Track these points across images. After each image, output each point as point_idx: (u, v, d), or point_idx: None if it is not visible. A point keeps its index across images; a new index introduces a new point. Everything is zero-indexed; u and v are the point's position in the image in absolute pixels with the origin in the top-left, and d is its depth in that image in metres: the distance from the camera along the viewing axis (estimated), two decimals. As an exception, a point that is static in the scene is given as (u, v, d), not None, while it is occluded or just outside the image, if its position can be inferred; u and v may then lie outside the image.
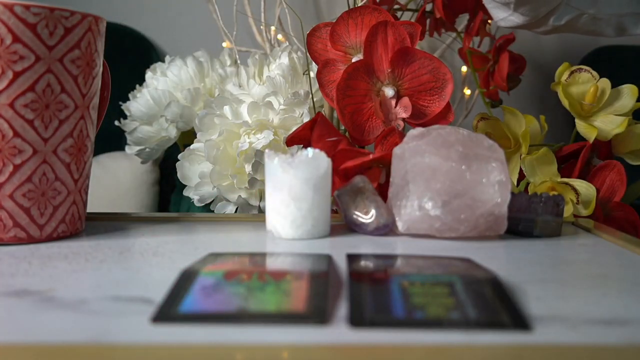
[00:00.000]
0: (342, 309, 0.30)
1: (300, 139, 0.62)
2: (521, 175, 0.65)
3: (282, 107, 0.67)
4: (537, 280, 0.36)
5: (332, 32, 0.63)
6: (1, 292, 0.33)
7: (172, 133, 0.77)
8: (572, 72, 0.67)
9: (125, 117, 0.80)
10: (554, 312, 0.30)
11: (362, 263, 0.38)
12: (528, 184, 0.64)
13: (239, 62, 0.85)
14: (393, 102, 0.59)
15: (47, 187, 0.45)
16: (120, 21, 1.12)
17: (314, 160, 0.47)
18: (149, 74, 0.80)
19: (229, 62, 0.84)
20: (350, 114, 0.60)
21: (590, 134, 0.65)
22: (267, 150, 0.49)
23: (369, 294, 0.31)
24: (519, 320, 0.28)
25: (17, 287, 0.34)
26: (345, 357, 0.25)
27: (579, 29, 0.53)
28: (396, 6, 0.84)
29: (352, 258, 0.39)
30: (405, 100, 0.59)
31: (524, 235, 0.50)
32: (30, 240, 0.45)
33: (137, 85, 0.81)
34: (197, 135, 0.70)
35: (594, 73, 0.67)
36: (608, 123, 0.66)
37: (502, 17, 0.51)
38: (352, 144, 0.61)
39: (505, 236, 0.50)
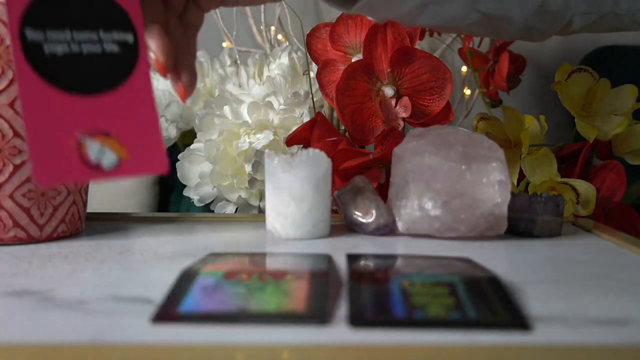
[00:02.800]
0: (342, 309, 0.30)
1: (300, 139, 0.62)
2: (521, 175, 0.65)
3: (282, 107, 0.67)
4: (537, 280, 0.36)
5: (331, 32, 0.63)
6: (1, 292, 0.32)
7: (172, 133, 0.77)
8: (572, 72, 0.67)
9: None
10: (554, 312, 0.30)
11: (362, 263, 0.38)
12: (528, 184, 0.64)
13: (239, 62, 0.85)
14: (393, 101, 0.59)
15: (47, 187, 0.45)
16: (120, 21, 1.11)
17: (314, 160, 0.47)
18: (149, 74, 0.80)
19: (229, 62, 0.84)
20: (350, 114, 0.60)
21: (590, 134, 0.65)
22: (267, 150, 0.49)
23: (369, 294, 0.31)
24: (519, 320, 0.28)
25: (17, 287, 0.34)
26: (345, 357, 0.25)
27: (601, 29, 0.52)
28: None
29: (352, 258, 0.39)
30: (405, 99, 0.59)
31: (524, 235, 0.50)
32: (30, 240, 0.45)
33: (137, 85, 0.81)
34: (197, 135, 0.70)
35: (594, 73, 0.67)
36: (608, 123, 0.66)
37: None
38: (352, 144, 0.61)
39: (505, 236, 0.50)
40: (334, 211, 0.59)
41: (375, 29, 0.58)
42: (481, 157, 0.48)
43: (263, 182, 0.59)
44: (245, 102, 0.68)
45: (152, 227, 0.52)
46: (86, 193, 0.49)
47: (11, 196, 0.44)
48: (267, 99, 0.67)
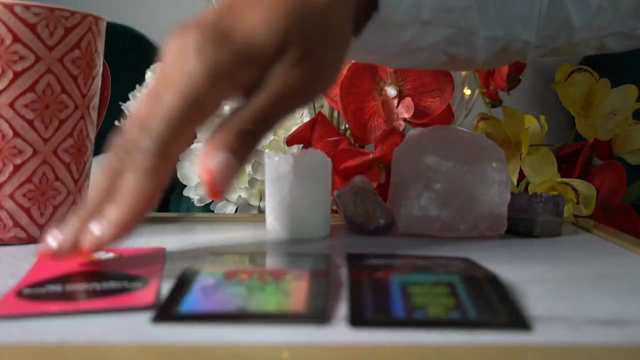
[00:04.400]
0: (342, 309, 0.30)
1: (300, 139, 0.62)
2: (521, 175, 0.65)
3: (282, 107, 0.67)
4: (537, 280, 0.36)
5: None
6: (1, 292, 0.32)
7: (172, 133, 0.77)
8: (572, 72, 0.67)
9: (125, 117, 0.80)
10: (554, 312, 0.30)
11: (362, 263, 0.38)
12: (528, 184, 0.64)
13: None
14: (395, 101, 0.59)
15: (47, 187, 0.45)
16: (120, 21, 1.12)
17: (314, 160, 0.47)
18: (149, 74, 0.80)
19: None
20: (353, 111, 0.60)
21: (590, 134, 0.65)
22: (267, 150, 0.49)
23: (369, 294, 0.31)
24: (519, 320, 0.28)
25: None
26: (345, 357, 0.25)
27: (556, 55, 0.54)
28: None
29: (352, 258, 0.39)
30: (408, 100, 0.59)
31: (524, 235, 0.50)
32: (30, 240, 0.45)
33: (137, 85, 0.81)
34: (197, 135, 0.69)
35: (594, 73, 0.67)
36: (608, 123, 0.66)
37: None
38: (352, 144, 0.61)
39: (505, 236, 0.50)
40: (334, 211, 0.59)
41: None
42: (481, 157, 0.48)
43: (263, 182, 0.59)
44: (245, 102, 0.68)
45: (152, 227, 0.52)
46: (86, 193, 0.49)
47: (11, 196, 0.44)
48: (267, 99, 0.67)
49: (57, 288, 0.32)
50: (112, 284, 0.32)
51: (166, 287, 0.32)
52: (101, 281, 0.33)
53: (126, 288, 0.32)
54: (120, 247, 0.42)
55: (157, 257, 0.40)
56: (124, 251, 0.41)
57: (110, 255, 0.39)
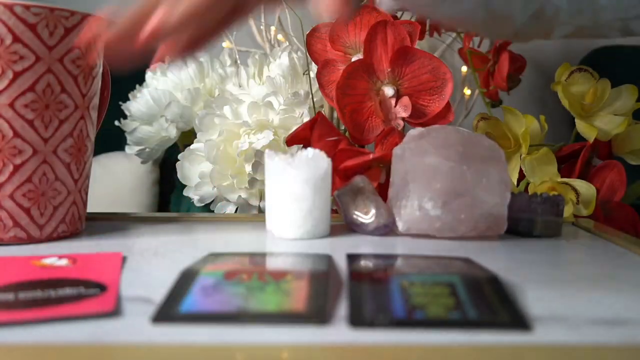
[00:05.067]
0: (342, 309, 0.30)
1: (300, 139, 0.62)
2: (521, 175, 0.65)
3: (282, 107, 0.67)
4: (537, 280, 0.36)
5: (331, 32, 0.63)
6: (1, 292, 0.32)
7: (172, 133, 0.77)
8: (572, 72, 0.67)
9: (125, 117, 0.80)
10: (554, 312, 0.30)
11: (362, 263, 0.38)
12: (528, 184, 0.64)
13: (239, 62, 0.85)
14: (393, 101, 0.59)
15: (47, 187, 0.45)
16: (120, 21, 1.11)
17: (314, 160, 0.47)
18: (149, 74, 0.80)
19: (229, 62, 0.84)
20: (350, 113, 0.60)
21: (590, 134, 0.65)
22: (267, 150, 0.49)
23: (369, 294, 0.31)
24: (519, 320, 0.28)
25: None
26: (345, 357, 0.25)
27: (581, 37, 0.54)
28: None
29: (352, 258, 0.39)
30: (405, 99, 0.59)
31: (524, 235, 0.50)
32: (30, 240, 0.45)
33: (137, 85, 0.81)
34: (197, 135, 0.70)
35: (594, 73, 0.67)
36: (608, 123, 0.66)
37: None
38: (352, 144, 0.61)
39: (505, 236, 0.50)
40: (334, 211, 0.59)
41: (376, 28, 0.58)
42: (481, 157, 0.48)
43: (263, 182, 0.59)
44: (245, 102, 0.68)
45: (152, 227, 0.52)
46: (86, 193, 0.49)
47: (11, 196, 0.44)
48: (267, 99, 0.67)
49: (8, 297, 0.31)
50: (68, 291, 0.31)
51: (166, 287, 0.32)
52: (56, 288, 0.32)
53: (83, 295, 0.31)
54: (77, 252, 0.42)
55: (114, 262, 0.38)
56: (78, 257, 0.40)
57: (64, 261, 0.38)
